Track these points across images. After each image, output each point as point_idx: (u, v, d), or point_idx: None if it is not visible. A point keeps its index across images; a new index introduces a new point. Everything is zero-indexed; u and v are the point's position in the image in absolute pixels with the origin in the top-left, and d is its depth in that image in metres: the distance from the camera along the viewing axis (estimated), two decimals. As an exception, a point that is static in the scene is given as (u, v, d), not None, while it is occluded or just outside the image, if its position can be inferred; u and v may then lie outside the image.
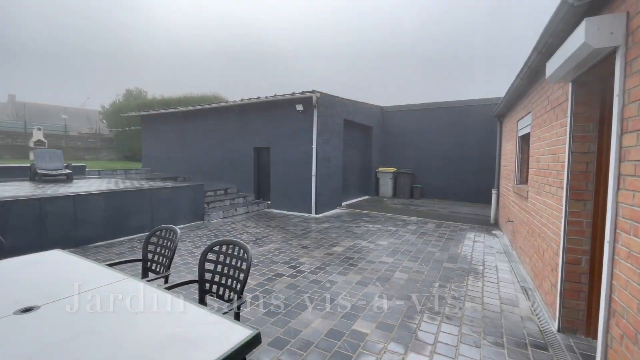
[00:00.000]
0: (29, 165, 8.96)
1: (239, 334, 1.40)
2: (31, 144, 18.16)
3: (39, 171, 8.12)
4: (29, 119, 24.29)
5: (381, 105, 13.52)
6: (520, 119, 5.60)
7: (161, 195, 6.89)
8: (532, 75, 4.37)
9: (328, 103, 9.27)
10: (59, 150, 9.14)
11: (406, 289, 3.96)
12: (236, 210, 8.79)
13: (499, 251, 5.68)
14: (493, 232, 7.20)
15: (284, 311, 3.33)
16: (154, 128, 13.40)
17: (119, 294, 1.75)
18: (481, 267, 4.81)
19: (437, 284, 4.13)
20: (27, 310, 1.50)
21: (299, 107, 8.84)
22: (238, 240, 2.35)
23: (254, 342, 1.41)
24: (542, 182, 3.88)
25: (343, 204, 10.61)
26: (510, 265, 4.94)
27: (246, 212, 9.07)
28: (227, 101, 11.66)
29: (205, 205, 8.23)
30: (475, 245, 6.05)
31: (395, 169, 12.79)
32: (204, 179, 11.29)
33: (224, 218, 8.27)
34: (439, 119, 12.43)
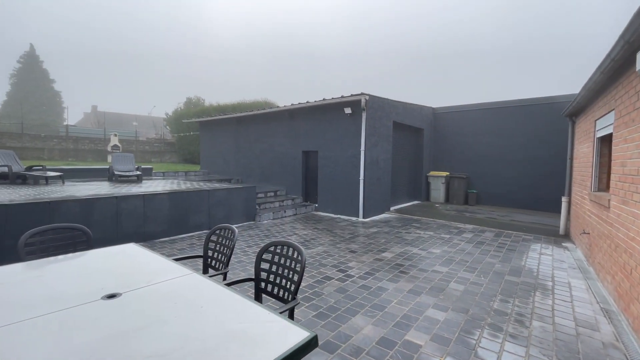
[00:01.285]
0: (107, 167, 10.14)
1: (296, 335, 1.41)
2: (109, 148, 20.55)
3: (115, 172, 9.13)
4: (107, 126, 27.57)
5: (433, 106, 12.96)
6: (600, 118, 4.96)
7: (217, 196, 7.33)
8: (616, 68, 3.85)
9: (377, 105, 9.13)
10: (131, 154, 10.21)
11: (463, 302, 3.71)
12: (285, 212, 9.02)
13: (572, 266, 5.07)
14: (563, 244, 6.46)
15: (333, 315, 3.32)
16: (210, 133, 14.35)
17: (186, 287, 1.88)
18: (550, 283, 4.33)
19: (498, 298, 3.81)
20: (112, 296, 1.67)
21: (348, 111, 8.83)
22: (292, 242, 2.40)
23: (311, 345, 1.41)
24: (629, 190, 3.38)
25: (391, 208, 10.34)
26: (586, 282, 4.38)
27: (294, 214, 9.27)
28: (277, 106, 12.08)
29: (257, 207, 8.57)
30: (543, 258, 5.48)
31: (448, 173, 12.14)
32: (255, 181, 11.79)
33: (273, 219, 8.54)
34: (497, 120, 11.56)
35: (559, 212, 8.15)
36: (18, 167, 7.93)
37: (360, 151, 8.73)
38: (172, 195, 6.50)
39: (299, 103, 10.00)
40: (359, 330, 3.02)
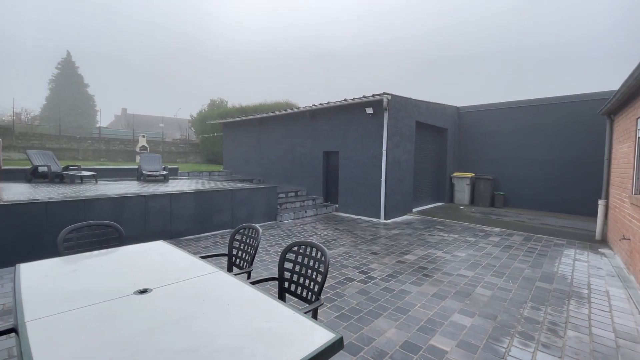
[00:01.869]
0: (136, 167, 10.58)
1: (322, 336, 1.41)
2: (137, 149, 21.45)
3: (144, 172, 9.50)
4: (136, 128, 28.78)
5: (457, 105, 12.61)
6: (642, 116, 4.64)
7: (240, 196, 7.47)
8: (661, 62, 3.59)
9: (399, 105, 8.99)
10: (158, 155, 10.59)
11: (490, 307, 3.57)
12: (306, 212, 9.06)
13: (610, 274, 4.77)
14: (600, 250, 6.09)
15: (356, 317, 3.29)
16: (233, 134, 14.65)
17: (212, 285, 1.91)
18: (586, 291, 4.09)
19: (528, 306, 3.64)
20: (143, 291, 1.73)
21: (369, 111, 8.75)
22: (316, 242, 2.39)
23: (336, 346, 1.40)
24: (677, 193, 3.13)
25: (414, 210, 10.14)
26: (626, 291, 4.10)
27: (315, 215, 9.29)
28: (298, 107, 12.16)
29: (278, 207, 8.66)
30: (577, 264, 5.18)
31: (473, 174, 11.77)
32: (276, 181, 11.92)
33: (294, 219, 8.60)
34: (526, 119, 11.08)
35: (594, 215, 7.69)
36: (56, 167, 8.42)
37: (381, 151, 8.63)
38: (197, 194, 6.68)
39: (320, 104, 10.01)
40: (382, 333, 2.98)
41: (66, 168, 8.73)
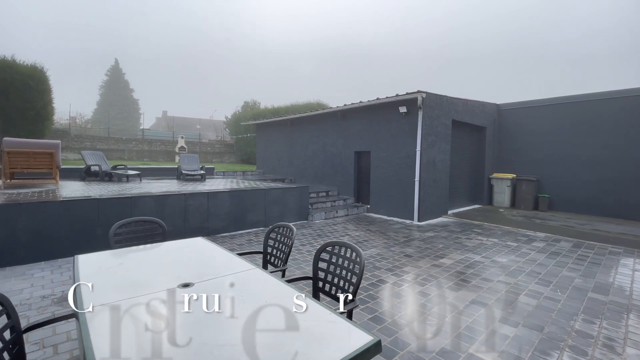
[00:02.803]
0: (176, 166, 11.16)
1: (360, 338, 1.38)
2: (176, 150, 22.64)
3: (183, 172, 9.99)
4: (175, 130, 30.34)
5: (497, 102, 11.97)
6: None
7: (273, 195, 7.61)
8: None
9: (434, 103, 8.69)
10: (196, 155, 11.08)
11: (536, 318, 3.33)
12: (337, 212, 9.04)
13: (677, 287, 4.28)
14: (664, 260, 5.49)
15: (390, 320, 3.22)
16: (266, 135, 14.98)
17: (250, 281, 1.96)
18: (648, 305, 3.70)
19: (580, 318, 3.35)
20: (186, 285, 1.81)
21: (403, 109, 8.55)
22: (351, 243, 2.37)
23: (373, 349, 1.37)
24: None
25: (449, 212, 9.76)
26: (698, 307, 3.66)
27: (346, 215, 9.24)
28: (329, 107, 12.17)
29: (309, 206, 8.72)
30: (637, 275, 4.71)
31: (514, 175, 11.10)
32: (308, 181, 12.01)
33: (325, 219, 8.61)
34: (575, 116, 10.25)
35: (657, 222, 6.95)
36: (106, 166, 9.09)
37: (415, 151, 8.39)
38: (232, 193, 6.90)
39: (352, 103, 9.95)
40: (417, 339, 2.89)
41: (114, 167, 9.40)
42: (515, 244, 6.29)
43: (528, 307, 3.58)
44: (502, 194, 11.21)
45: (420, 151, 8.33)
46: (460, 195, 10.75)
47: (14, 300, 3.35)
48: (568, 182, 10.37)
